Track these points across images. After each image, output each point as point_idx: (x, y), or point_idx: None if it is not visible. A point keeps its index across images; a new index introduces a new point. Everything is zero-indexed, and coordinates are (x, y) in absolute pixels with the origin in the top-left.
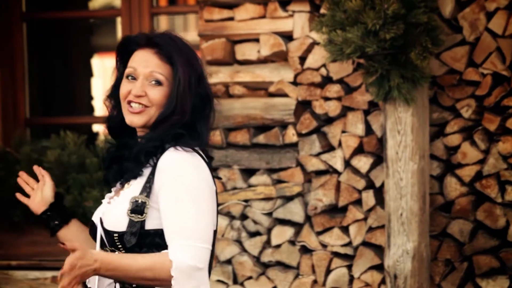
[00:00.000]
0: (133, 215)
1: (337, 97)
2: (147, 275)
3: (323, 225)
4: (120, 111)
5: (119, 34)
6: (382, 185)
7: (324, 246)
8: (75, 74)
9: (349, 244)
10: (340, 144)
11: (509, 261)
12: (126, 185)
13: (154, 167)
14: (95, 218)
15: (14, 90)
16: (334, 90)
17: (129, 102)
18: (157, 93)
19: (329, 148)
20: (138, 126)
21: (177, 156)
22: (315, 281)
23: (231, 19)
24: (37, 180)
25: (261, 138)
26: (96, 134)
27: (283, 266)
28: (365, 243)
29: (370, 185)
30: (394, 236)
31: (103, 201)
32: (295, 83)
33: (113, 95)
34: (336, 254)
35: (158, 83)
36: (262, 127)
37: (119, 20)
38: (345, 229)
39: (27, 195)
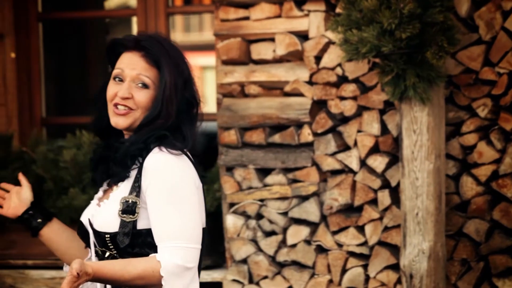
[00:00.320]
0: (124, 215)
1: (352, 97)
2: (138, 283)
3: (339, 225)
4: (107, 113)
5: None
6: (398, 184)
7: (340, 245)
8: (91, 73)
9: (364, 243)
10: (355, 144)
11: None
12: (114, 187)
13: (140, 168)
14: (84, 219)
15: (30, 90)
16: (349, 89)
17: (115, 104)
18: (143, 96)
19: (344, 147)
20: (123, 128)
21: (161, 157)
22: (330, 281)
23: (247, 18)
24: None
25: (276, 138)
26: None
27: (299, 265)
28: (380, 243)
29: (385, 184)
30: (410, 235)
31: (91, 202)
32: (310, 82)
33: (100, 96)
34: (351, 254)
35: (145, 86)
36: (278, 126)
37: (134, 20)
38: (360, 229)
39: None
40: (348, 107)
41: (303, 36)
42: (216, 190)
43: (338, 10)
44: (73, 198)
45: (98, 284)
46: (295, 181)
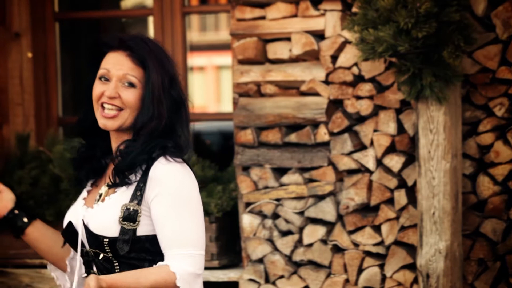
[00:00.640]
0: (125, 222)
1: (369, 96)
2: None
3: (355, 224)
4: (91, 113)
5: (151, 33)
6: (414, 184)
7: (356, 245)
8: None
9: (381, 243)
10: (372, 143)
11: None
12: (109, 190)
13: (144, 176)
14: (73, 219)
15: (47, 89)
16: (366, 89)
17: (102, 104)
18: (130, 95)
19: (361, 147)
20: (112, 130)
21: (170, 167)
22: (347, 280)
23: (263, 18)
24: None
25: (292, 137)
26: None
27: (315, 265)
28: (397, 242)
29: (402, 184)
30: (427, 235)
31: (77, 201)
32: (326, 82)
33: (84, 97)
34: (368, 253)
35: (131, 85)
36: (294, 126)
37: (151, 19)
38: (377, 228)
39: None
40: (365, 107)
41: (319, 35)
42: (232, 190)
43: (354, 9)
44: None
45: None
46: (311, 180)
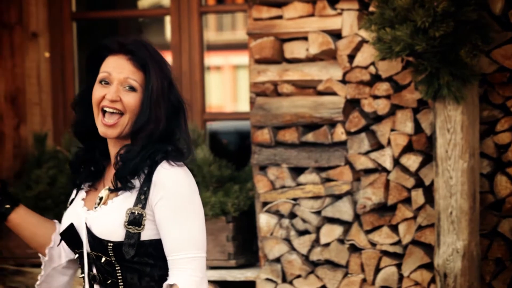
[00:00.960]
0: (130, 226)
1: (386, 95)
2: None
3: (372, 224)
4: (89, 116)
5: (168, 33)
6: (432, 183)
7: (373, 244)
8: None
9: (398, 242)
10: (389, 143)
11: None
12: (111, 194)
13: (147, 180)
14: (75, 220)
15: (64, 89)
16: (383, 88)
17: (102, 109)
18: (131, 98)
19: (378, 146)
20: (112, 137)
21: (173, 171)
22: (364, 280)
23: (280, 17)
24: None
25: (309, 137)
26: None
27: (332, 264)
28: (414, 242)
29: (419, 183)
30: (444, 234)
31: (75, 203)
32: (343, 81)
33: (82, 101)
34: (385, 253)
35: (132, 89)
36: (311, 125)
37: (168, 19)
38: (394, 228)
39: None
40: (382, 106)
41: (336, 35)
42: (249, 189)
43: (371, 8)
44: None
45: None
46: (328, 180)
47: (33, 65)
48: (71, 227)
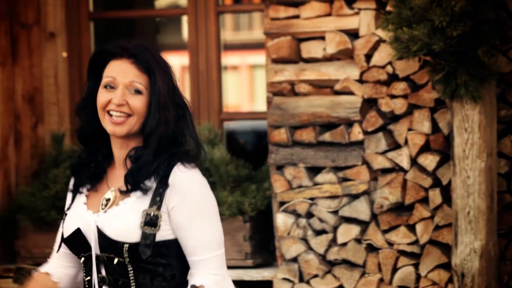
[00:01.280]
0: (146, 227)
1: (403, 95)
2: None
3: (389, 224)
4: (92, 120)
5: (185, 33)
6: (449, 183)
7: (391, 244)
8: None
9: (415, 242)
10: (406, 142)
11: None
12: (121, 195)
13: (162, 183)
14: (82, 225)
15: (82, 89)
16: (400, 87)
17: (109, 112)
18: (138, 101)
19: (395, 146)
20: (120, 135)
21: (190, 174)
22: (381, 280)
23: (297, 17)
24: None
25: (326, 136)
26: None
27: (349, 264)
28: (431, 242)
29: (436, 183)
30: (462, 234)
31: (77, 207)
32: (361, 81)
33: (85, 106)
34: (402, 253)
35: (138, 92)
36: (328, 125)
37: (185, 19)
38: (411, 228)
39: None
40: (399, 106)
41: (353, 34)
42: (266, 189)
43: (388, 8)
44: None
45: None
46: (345, 179)
47: (51, 65)
48: (78, 231)
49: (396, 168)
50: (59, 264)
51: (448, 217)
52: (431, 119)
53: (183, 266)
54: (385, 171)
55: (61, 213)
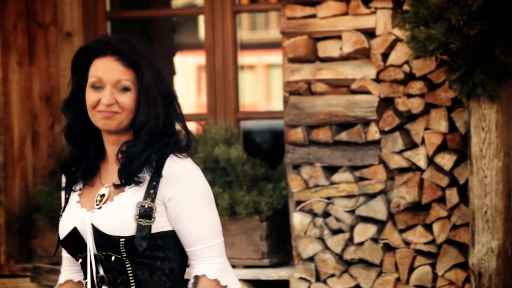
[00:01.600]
0: (141, 220)
1: (420, 94)
2: None
3: (406, 223)
4: (80, 118)
5: (202, 32)
6: (466, 182)
7: (407, 243)
8: None
9: (432, 242)
10: (423, 141)
11: None
12: (115, 190)
13: (156, 175)
14: (78, 224)
15: None
16: (417, 87)
17: (99, 111)
18: (126, 98)
19: (412, 145)
20: (111, 130)
21: (183, 164)
22: (398, 279)
23: (313, 16)
24: None
25: (343, 136)
26: (179, 131)
27: (366, 263)
28: (448, 241)
29: (453, 182)
30: (479, 234)
31: (71, 206)
32: (377, 80)
33: (71, 104)
34: (419, 252)
35: (126, 89)
36: (345, 124)
37: (201, 18)
38: (428, 227)
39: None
40: (416, 105)
41: (370, 33)
42: (282, 188)
43: (405, 7)
44: None
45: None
46: (362, 179)
47: (68, 64)
48: (74, 231)
49: (413, 168)
50: (73, 269)
51: (465, 216)
52: (448, 118)
53: (182, 259)
54: (401, 170)
55: None
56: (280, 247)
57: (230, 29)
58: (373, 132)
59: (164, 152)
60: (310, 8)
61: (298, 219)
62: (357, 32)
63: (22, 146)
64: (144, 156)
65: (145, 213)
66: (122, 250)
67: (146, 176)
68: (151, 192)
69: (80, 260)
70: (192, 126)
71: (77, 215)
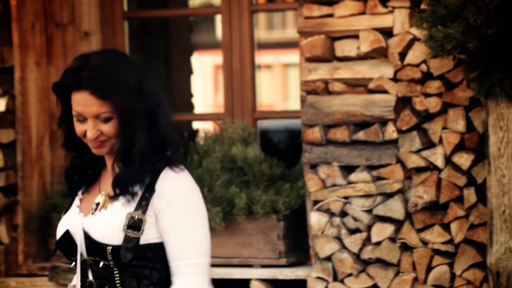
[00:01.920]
0: (129, 230)
1: (437, 93)
2: None
3: (424, 222)
4: (74, 131)
5: (219, 31)
6: (484, 182)
7: (425, 243)
8: (175, 71)
9: (450, 241)
10: (440, 141)
11: None
12: (110, 199)
13: (150, 188)
14: (71, 227)
15: None
16: (434, 86)
17: (88, 141)
18: (110, 127)
19: (429, 144)
20: (105, 154)
21: (177, 179)
22: (416, 279)
23: (331, 15)
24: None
25: (360, 135)
26: (196, 131)
27: (384, 263)
28: (466, 241)
29: (471, 182)
30: (497, 233)
31: (71, 209)
32: (395, 79)
33: (64, 122)
34: (437, 252)
35: (108, 119)
36: (362, 123)
37: (218, 17)
38: (446, 226)
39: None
40: (433, 104)
41: (387, 32)
42: (300, 188)
43: (423, 6)
44: None
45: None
46: (379, 178)
47: None
48: (67, 234)
49: (431, 167)
50: None
51: (483, 216)
52: (465, 118)
53: (171, 270)
54: (419, 170)
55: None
56: (298, 247)
57: (247, 29)
58: (391, 132)
59: (159, 166)
60: (328, 7)
61: (315, 219)
62: (375, 31)
63: (40, 146)
64: (139, 173)
65: (134, 224)
66: (109, 258)
67: (139, 190)
68: (143, 204)
69: (74, 263)
70: (209, 125)
71: (73, 218)
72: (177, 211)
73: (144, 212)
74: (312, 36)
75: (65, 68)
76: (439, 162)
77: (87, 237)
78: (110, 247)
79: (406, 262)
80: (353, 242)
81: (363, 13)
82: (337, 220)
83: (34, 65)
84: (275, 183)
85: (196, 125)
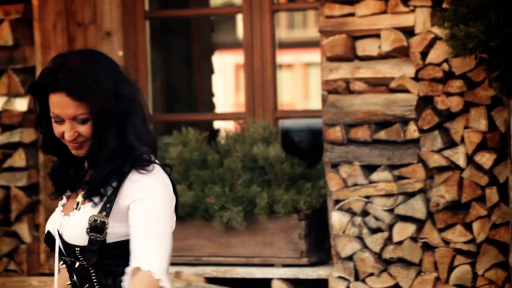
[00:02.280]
0: (92, 233)
1: (459, 93)
2: None
3: (446, 222)
4: (54, 136)
5: (240, 31)
6: (506, 181)
7: (447, 243)
8: (197, 71)
9: (472, 241)
10: (462, 140)
11: None
12: (85, 200)
13: (115, 190)
14: (51, 227)
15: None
16: (456, 85)
17: (67, 142)
18: (87, 128)
19: (451, 144)
20: (84, 156)
21: (142, 181)
22: (437, 278)
23: (352, 15)
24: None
25: (382, 134)
26: (217, 130)
27: (405, 262)
28: (488, 240)
29: (493, 181)
30: None
31: (56, 209)
32: (416, 78)
33: (41, 123)
34: (459, 251)
35: (84, 121)
36: (383, 123)
37: (239, 17)
38: (468, 226)
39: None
40: (455, 103)
41: (408, 32)
42: (321, 187)
43: (444, 5)
44: (180, 195)
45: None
46: (401, 177)
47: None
48: (49, 234)
49: (452, 166)
50: None
51: (505, 215)
52: (487, 117)
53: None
54: (441, 169)
55: None
56: (319, 246)
57: (268, 28)
58: (412, 131)
59: (126, 170)
60: (349, 6)
61: (336, 218)
62: (396, 31)
63: None
64: (103, 176)
65: (96, 227)
66: (80, 258)
67: (106, 191)
68: (107, 207)
69: (62, 262)
70: (230, 125)
71: (56, 219)
72: (142, 207)
73: (107, 215)
74: (333, 36)
75: (43, 68)
76: (461, 161)
77: (61, 238)
78: (79, 248)
79: (428, 261)
80: (375, 241)
81: (384, 12)
82: (358, 219)
83: None
84: (297, 182)
85: (217, 124)
